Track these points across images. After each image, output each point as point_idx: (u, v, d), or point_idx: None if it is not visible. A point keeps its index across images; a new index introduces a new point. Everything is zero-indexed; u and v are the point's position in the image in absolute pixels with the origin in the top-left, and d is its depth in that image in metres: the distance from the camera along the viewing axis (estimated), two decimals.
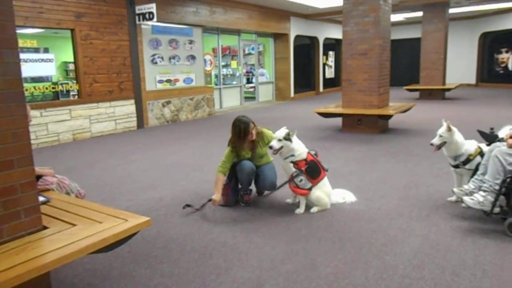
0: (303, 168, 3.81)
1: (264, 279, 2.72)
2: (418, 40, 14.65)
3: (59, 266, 2.06)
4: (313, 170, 3.86)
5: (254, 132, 4.05)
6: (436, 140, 3.87)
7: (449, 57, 14.95)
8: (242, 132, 3.97)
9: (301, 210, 3.89)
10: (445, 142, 3.85)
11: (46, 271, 1.99)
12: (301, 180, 3.81)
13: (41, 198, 2.75)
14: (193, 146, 7.42)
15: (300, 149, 3.90)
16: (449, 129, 3.80)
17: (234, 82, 14.09)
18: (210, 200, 4.03)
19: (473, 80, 18.80)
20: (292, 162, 3.86)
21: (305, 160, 3.86)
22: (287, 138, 3.82)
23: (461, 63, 18.59)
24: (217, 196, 3.95)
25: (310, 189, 3.85)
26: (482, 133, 3.82)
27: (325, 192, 3.95)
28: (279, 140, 3.83)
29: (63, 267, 2.87)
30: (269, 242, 3.28)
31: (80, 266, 2.95)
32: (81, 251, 2.07)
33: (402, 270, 2.77)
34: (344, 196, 4.17)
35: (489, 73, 18.57)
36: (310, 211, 3.88)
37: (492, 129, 3.83)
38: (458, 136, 3.82)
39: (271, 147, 3.87)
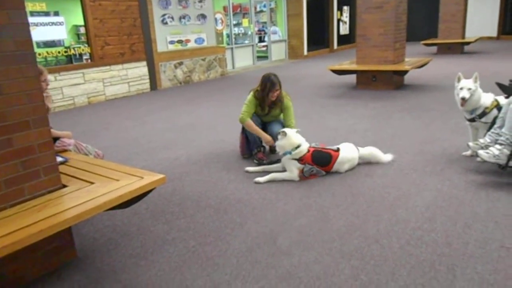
0: (310, 162, 3.68)
1: (278, 232, 2.79)
2: None
3: (79, 222, 2.15)
4: (320, 159, 3.72)
5: (276, 94, 4.13)
6: (467, 93, 3.71)
7: (469, 8, 14.28)
8: (266, 90, 4.10)
9: None
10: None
11: (67, 227, 2.08)
12: (312, 171, 3.68)
13: (59, 158, 2.83)
14: (206, 106, 7.43)
15: (299, 143, 3.73)
16: (475, 80, 3.73)
17: (246, 41, 13.85)
18: (260, 149, 4.23)
19: (494, 33, 18.03)
20: (294, 159, 3.68)
21: (308, 152, 3.72)
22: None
23: (482, 14, 17.76)
24: (265, 137, 4.13)
25: (329, 166, 3.75)
26: (500, 85, 3.73)
27: (353, 158, 3.86)
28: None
29: (84, 223, 3.00)
30: (282, 198, 3.34)
31: (100, 223, 3.06)
32: (99, 207, 2.15)
33: (413, 223, 2.80)
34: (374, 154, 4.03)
35: None
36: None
37: (511, 81, 3.72)
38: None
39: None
